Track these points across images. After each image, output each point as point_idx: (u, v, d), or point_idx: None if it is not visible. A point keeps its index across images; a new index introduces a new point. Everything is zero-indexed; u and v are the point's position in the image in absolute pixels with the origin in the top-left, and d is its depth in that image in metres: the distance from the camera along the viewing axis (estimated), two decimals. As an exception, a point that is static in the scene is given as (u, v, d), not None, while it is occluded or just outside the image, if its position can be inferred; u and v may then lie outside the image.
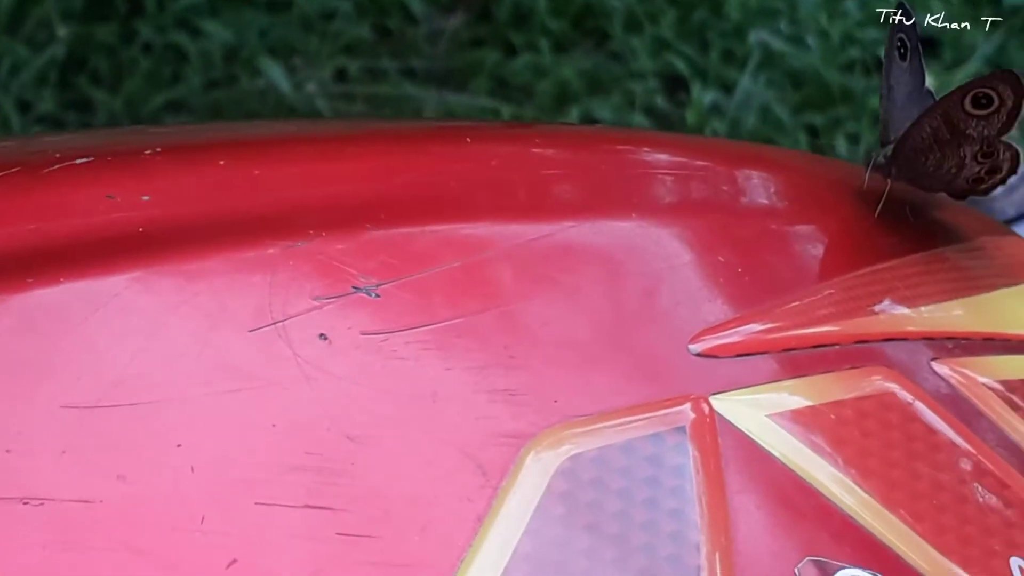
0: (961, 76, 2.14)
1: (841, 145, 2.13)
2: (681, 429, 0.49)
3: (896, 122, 0.64)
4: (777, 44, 2.18)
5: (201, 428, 0.46)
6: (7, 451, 0.45)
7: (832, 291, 0.54)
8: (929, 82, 2.03)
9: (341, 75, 2.33)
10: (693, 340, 0.51)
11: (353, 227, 0.51)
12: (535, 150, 0.57)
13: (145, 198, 0.51)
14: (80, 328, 0.48)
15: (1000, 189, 1.32)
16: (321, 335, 0.49)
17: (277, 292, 0.49)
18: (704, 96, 2.17)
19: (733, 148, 0.62)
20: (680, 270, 0.53)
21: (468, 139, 0.57)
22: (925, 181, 0.63)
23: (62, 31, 2.32)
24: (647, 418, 0.49)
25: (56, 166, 0.52)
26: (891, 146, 0.63)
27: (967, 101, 0.62)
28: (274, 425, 0.47)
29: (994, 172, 0.63)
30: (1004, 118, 0.62)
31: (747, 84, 2.14)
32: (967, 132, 0.62)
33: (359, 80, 2.31)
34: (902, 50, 0.65)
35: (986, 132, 0.62)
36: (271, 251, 0.50)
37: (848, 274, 0.56)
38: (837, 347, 0.53)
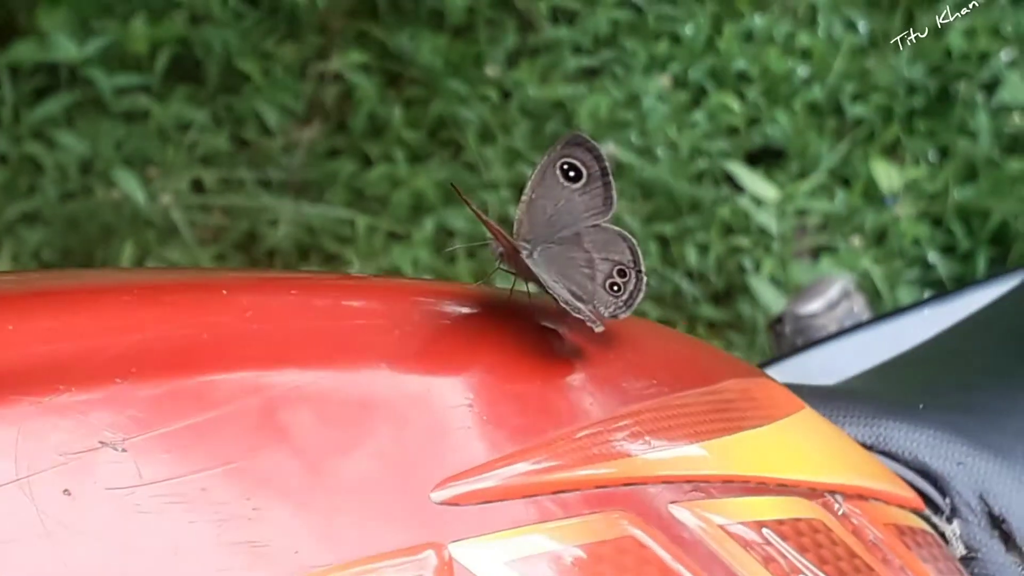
0: (807, 186, 2.19)
1: (691, 254, 2.17)
2: (420, 578, 0.50)
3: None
4: (627, 155, 2.22)
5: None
6: None
7: (575, 436, 0.56)
8: (774, 194, 2.06)
9: (198, 185, 2.34)
10: (435, 488, 0.53)
11: (103, 381, 0.52)
12: (289, 300, 0.59)
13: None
14: None
15: (818, 305, 1.35)
16: (65, 491, 0.50)
17: (23, 447, 0.50)
18: (556, 206, 2.19)
19: (478, 293, 0.63)
20: (424, 417, 0.54)
21: (224, 291, 0.58)
22: (566, 289, 0.63)
23: (-86, 143, 2.31)
24: (386, 566, 0.50)
25: None
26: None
27: (558, 171, 0.64)
28: (12, 582, 0.48)
29: (623, 274, 0.63)
30: (599, 193, 0.64)
31: (596, 195, 2.17)
32: (577, 215, 0.64)
33: (216, 191, 2.33)
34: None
35: (587, 213, 0.64)
36: (19, 406, 0.51)
37: (591, 418, 0.57)
38: (578, 492, 0.55)
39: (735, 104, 2.30)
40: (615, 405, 0.59)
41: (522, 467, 0.54)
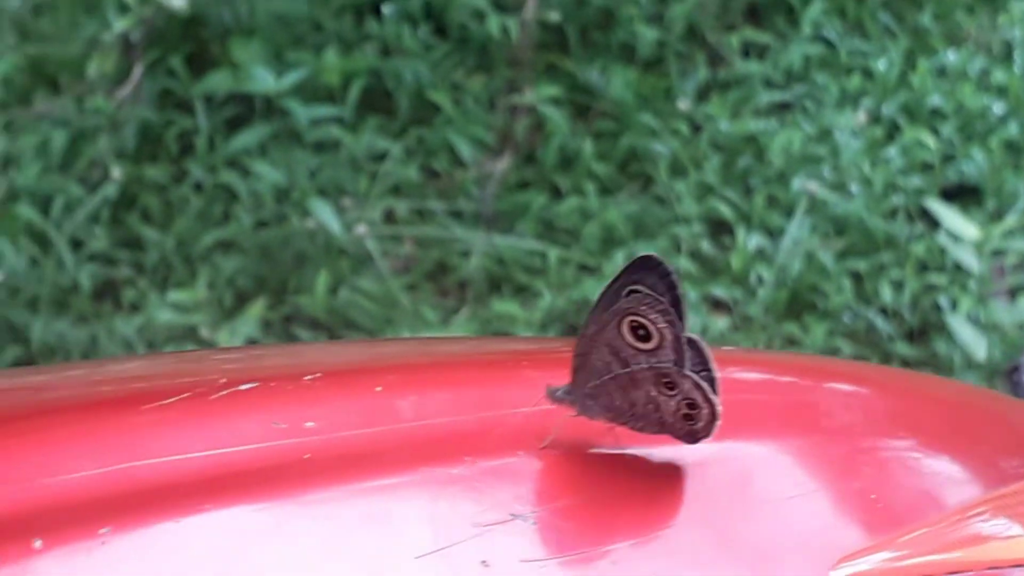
0: (1000, 230, 2.17)
1: (886, 291, 2.16)
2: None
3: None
4: (821, 191, 2.22)
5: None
6: None
7: (960, 516, 0.56)
8: (974, 232, 2.04)
9: (388, 216, 2.36)
10: (833, 568, 0.53)
11: (504, 452, 0.54)
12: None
13: (309, 424, 0.53)
14: (257, 554, 0.50)
15: None
16: (483, 562, 0.51)
17: (439, 518, 0.51)
18: (749, 241, 2.20)
19: (861, 371, 0.64)
20: (821, 495, 0.55)
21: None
22: (637, 424, 0.57)
23: (116, 171, 2.36)
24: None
25: (223, 392, 0.54)
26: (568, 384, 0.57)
27: (626, 332, 0.56)
28: (441, 651, 0.49)
29: (693, 407, 0.55)
30: (672, 354, 0.56)
31: (794, 230, 2.17)
32: (638, 370, 0.56)
33: (407, 221, 2.35)
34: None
35: (658, 365, 0.56)
36: (432, 476, 0.52)
37: (975, 498, 0.58)
38: (971, 574, 0.55)
39: (929, 140, 2.28)
40: (994, 484, 0.59)
41: (914, 547, 0.55)
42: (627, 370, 0.56)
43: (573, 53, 2.46)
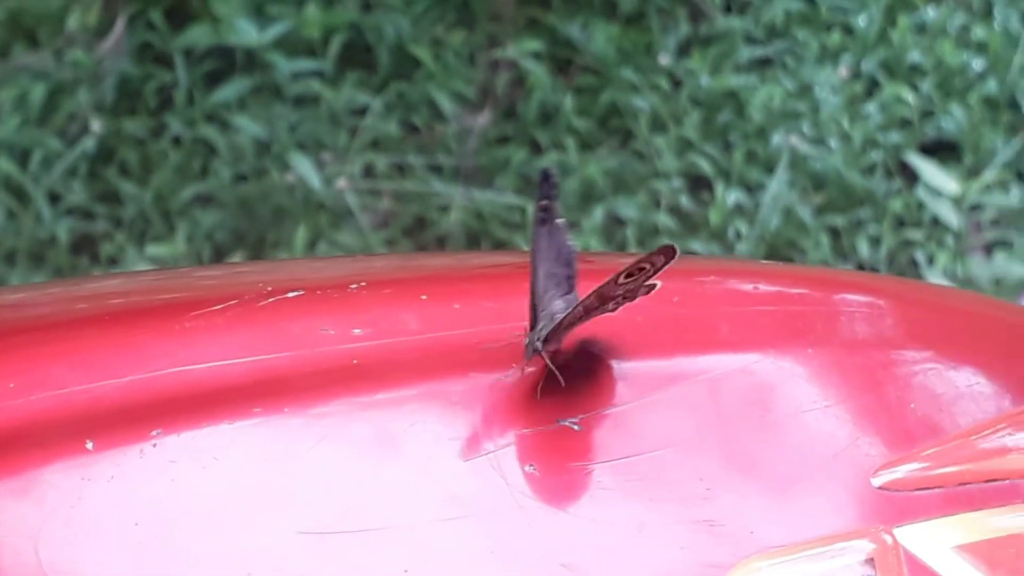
0: (978, 185, 2.18)
1: (863, 247, 2.17)
2: (870, 561, 0.52)
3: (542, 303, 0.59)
4: (800, 146, 2.23)
5: (426, 554, 0.49)
6: (249, 574, 0.47)
7: (1001, 425, 0.57)
8: (954, 187, 2.06)
9: (367, 171, 2.36)
10: (874, 474, 0.54)
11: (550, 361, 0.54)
12: (715, 287, 0.60)
13: (356, 331, 0.54)
14: (308, 456, 0.50)
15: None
16: (530, 465, 0.51)
17: (487, 423, 0.52)
18: (727, 196, 2.21)
19: (898, 286, 0.65)
20: (857, 404, 0.56)
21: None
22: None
23: (95, 124, 2.35)
24: (837, 549, 0.52)
25: (270, 299, 0.54)
26: (542, 330, 0.57)
27: (621, 276, 0.58)
28: (492, 552, 0.50)
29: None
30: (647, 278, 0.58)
31: (774, 186, 2.18)
32: (615, 296, 0.58)
33: (386, 176, 2.35)
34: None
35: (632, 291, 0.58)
36: (478, 383, 0.53)
37: (1015, 407, 0.58)
38: (1007, 481, 0.56)
39: (909, 96, 2.29)
40: (1015, 395, 0.60)
41: (954, 455, 0.56)
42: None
43: (554, 8, 2.46)
